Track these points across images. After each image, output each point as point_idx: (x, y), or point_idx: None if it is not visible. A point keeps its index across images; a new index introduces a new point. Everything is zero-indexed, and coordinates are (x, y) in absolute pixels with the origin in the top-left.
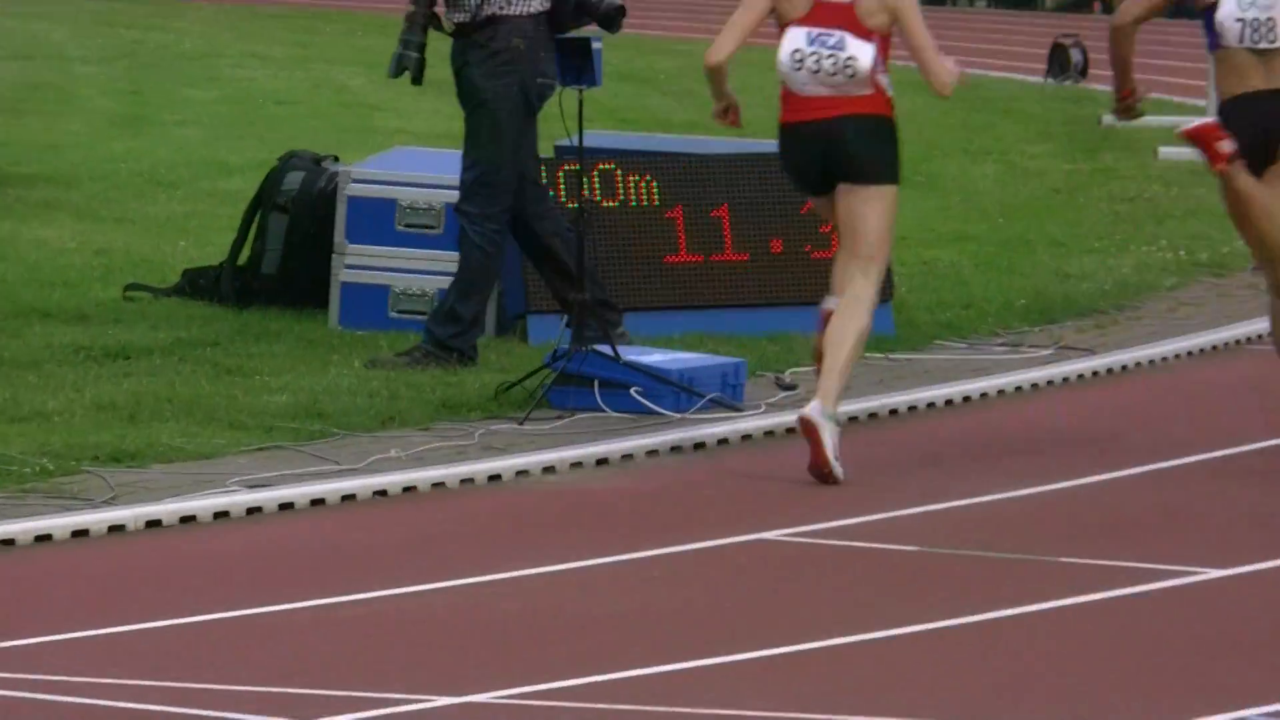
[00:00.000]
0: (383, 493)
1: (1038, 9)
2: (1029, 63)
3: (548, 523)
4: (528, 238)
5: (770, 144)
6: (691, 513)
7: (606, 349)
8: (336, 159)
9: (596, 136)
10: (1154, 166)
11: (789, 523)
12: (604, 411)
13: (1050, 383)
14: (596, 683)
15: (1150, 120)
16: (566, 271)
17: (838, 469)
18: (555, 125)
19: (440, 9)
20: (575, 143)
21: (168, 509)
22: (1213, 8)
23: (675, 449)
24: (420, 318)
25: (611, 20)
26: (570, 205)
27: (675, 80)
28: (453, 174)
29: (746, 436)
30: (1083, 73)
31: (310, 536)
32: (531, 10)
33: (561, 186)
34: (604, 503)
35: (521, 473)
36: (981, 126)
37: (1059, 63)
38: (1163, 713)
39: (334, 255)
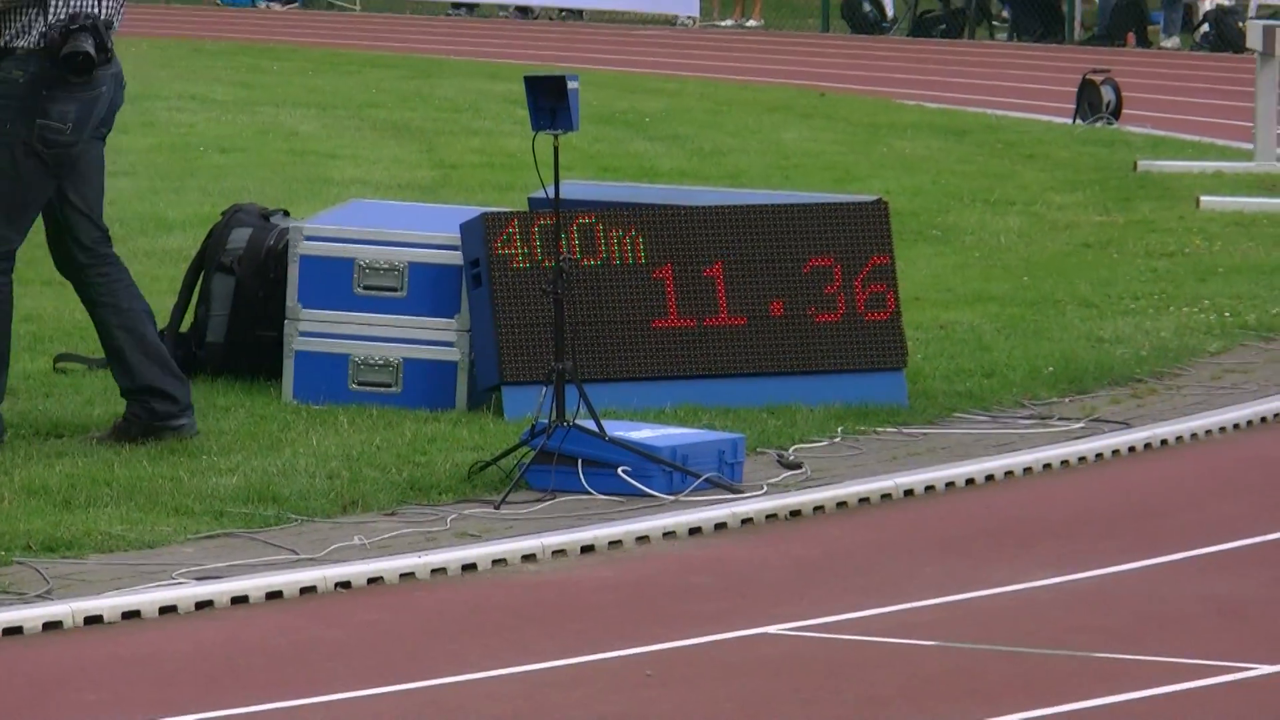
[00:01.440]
0: (346, 585)
1: (1065, 42)
2: (1056, 101)
3: (528, 617)
4: (94, 321)
5: (768, 194)
6: (687, 605)
7: (590, 424)
8: (286, 213)
9: (575, 186)
10: (1195, 218)
11: (794, 616)
12: (589, 493)
13: (1082, 459)
14: None
15: (1191, 165)
16: (125, 364)
17: None
18: (528, 175)
19: None
20: (551, 194)
21: (109, 603)
22: None
23: (668, 534)
24: (384, 390)
25: (70, 65)
26: (547, 264)
27: (663, 123)
28: (418, 229)
29: (746, 520)
30: (1115, 113)
31: (267, 633)
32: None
33: (536, 243)
34: (590, 594)
35: (499, 561)
36: (1003, 174)
37: (1089, 101)
38: None
39: (286, 321)
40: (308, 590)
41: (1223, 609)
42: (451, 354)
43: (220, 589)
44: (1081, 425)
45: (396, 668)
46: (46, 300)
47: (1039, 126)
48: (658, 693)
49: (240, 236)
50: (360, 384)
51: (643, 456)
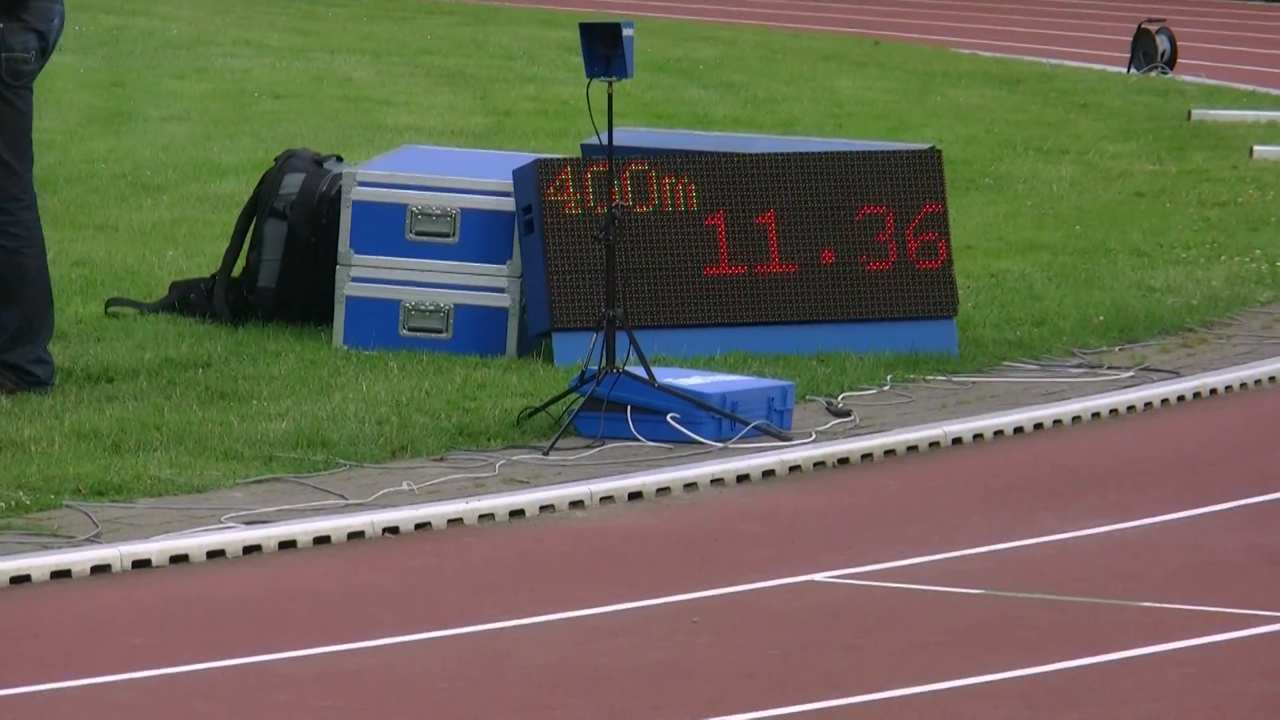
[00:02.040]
0: (394, 530)
1: None
2: (1110, 50)
3: (575, 563)
4: None
5: (821, 142)
6: (734, 552)
7: (640, 371)
8: (340, 159)
9: (628, 134)
10: (1248, 167)
11: (841, 563)
12: (637, 440)
13: (1131, 408)
14: None
15: (1245, 114)
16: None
17: None
18: (582, 122)
19: None
20: (604, 141)
21: (157, 547)
22: None
23: (716, 482)
24: (435, 336)
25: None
26: (600, 210)
27: (716, 71)
28: (469, 175)
29: (794, 468)
30: (1170, 62)
31: (314, 578)
32: None
33: (590, 190)
34: (637, 541)
35: (546, 508)
36: (1056, 123)
37: (1144, 51)
38: None
39: (338, 267)
40: (355, 535)
41: (1270, 559)
42: (502, 300)
43: (268, 534)
44: (1131, 374)
45: (444, 614)
46: (99, 245)
47: (1093, 75)
48: (705, 639)
49: (293, 182)
50: (411, 330)
51: (692, 404)
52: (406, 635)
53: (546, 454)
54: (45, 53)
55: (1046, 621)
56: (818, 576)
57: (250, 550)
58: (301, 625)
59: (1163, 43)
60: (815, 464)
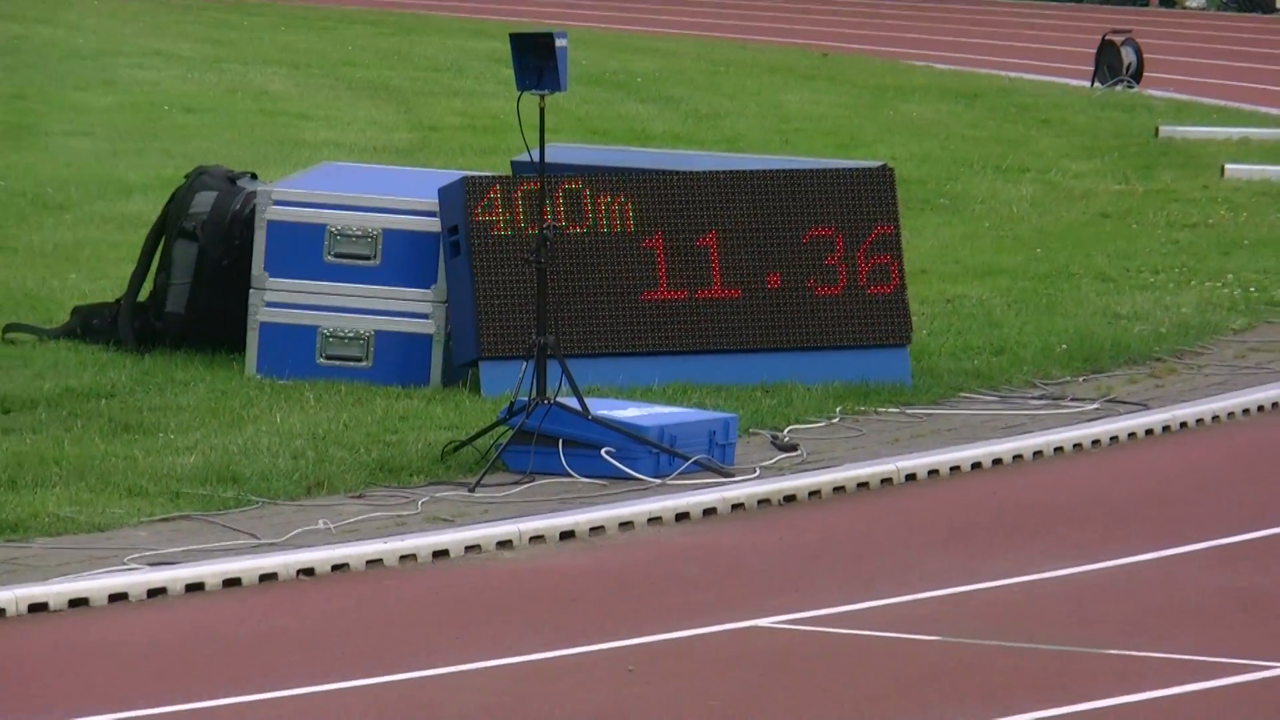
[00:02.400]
0: (309, 571)
1: (1084, 0)
2: (1073, 63)
3: (503, 607)
4: None
5: (767, 160)
6: (673, 596)
7: (573, 402)
8: (254, 176)
9: (561, 150)
10: (1220, 187)
11: (787, 608)
12: (570, 476)
13: (1096, 442)
14: None
15: (1216, 131)
16: None
17: None
18: (512, 138)
19: None
20: (536, 158)
21: (55, 590)
22: None
23: (653, 520)
24: (354, 364)
25: None
26: (530, 232)
27: (655, 84)
28: (392, 194)
29: (737, 506)
30: (1136, 76)
31: (224, 623)
32: None
33: (520, 210)
34: (570, 584)
35: (472, 548)
36: (1016, 139)
37: (1108, 64)
38: None
39: (251, 290)
40: (268, 577)
41: (1245, 602)
42: (426, 326)
43: (174, 575)
44: (1096, 406)
45: (362, 661)
46: None
47: (1055, 90)
48: (641, 689)
49: (204, 200)
50: (329, 358)
51: (628, 437)
52: (323, 684)
53: (472, 490)
54: None
55: (1007, 669)
56: (762, 621)
57: (155, 593)
58: (209, 673)
59: (1129, 55)
60: (759, 501)
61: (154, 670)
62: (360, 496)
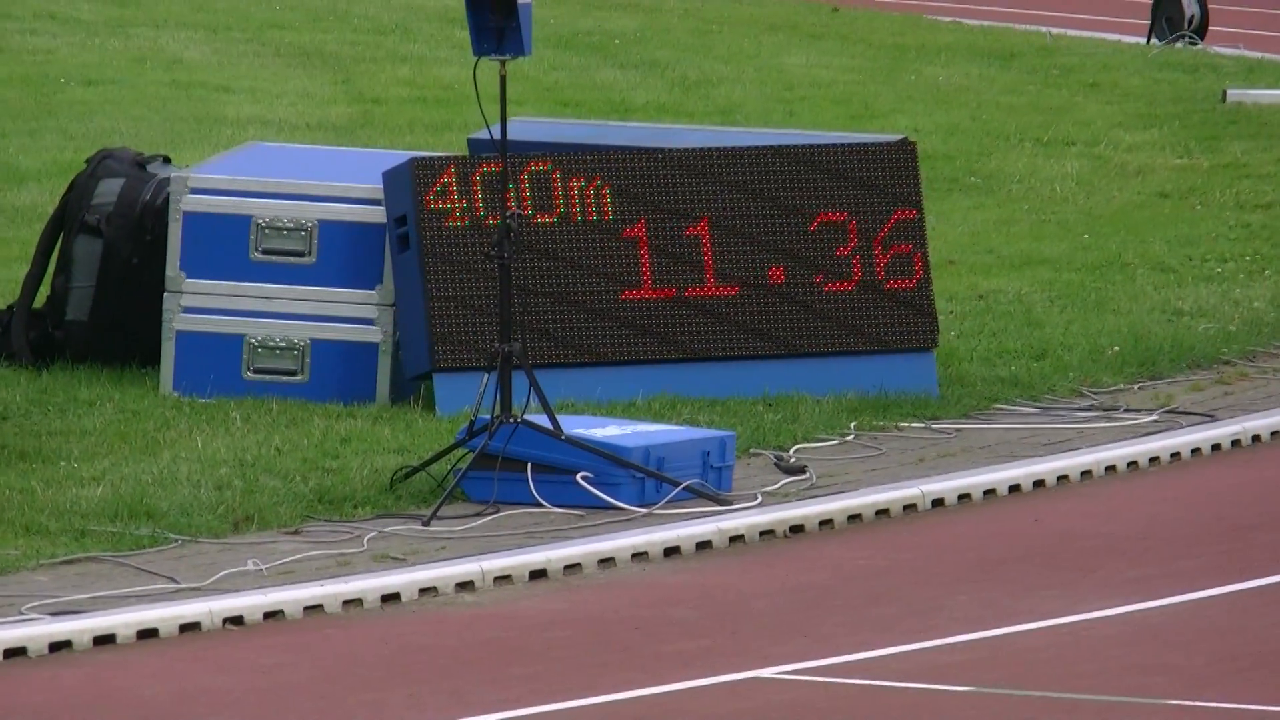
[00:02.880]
0: (237, 620)
1: None
2: (1125, 17)
3: (464, 660)
4: None
5: (767, 134)
6: (661, 644)
7: (543, 420)
8: (167, 160)
9: (527, 125)
10: None
11: (794, 656)
12: (540, 506)
13: (1155, 460)
14: None
15: None
16: None
17: None
18: (469, 111)
19: None
20: (496, 135)
21: None
22: None
23: (638, 556)
24: (287, 379)
25: None
26: (492, 222)
27: (636, 47)
28: (329, 179)
29: (736, 538)
30: (1200, 31)
31: (138, 680)
32: None
33: (479, 196)
34: (541, 631)
35: (427, 590)
36: (1060, 107)
37: (1167, 17)
38: None
39: (167, 294)
40: (190, 627)
41: None
42: (371, 334)
43: (80, 626)
44: (1154, 418)
45: None
46: None
47: (1105, 48)
48: None
49: (110, 189)
50: (257, 371)
51: (607, 460)
52: None
53: (427, 524)
54: None
55: None
56: (765, 672)
57: (58, 647)
58: None
59: (1190, 6)
60: (761, 533)
61: None
62: (296, 533)
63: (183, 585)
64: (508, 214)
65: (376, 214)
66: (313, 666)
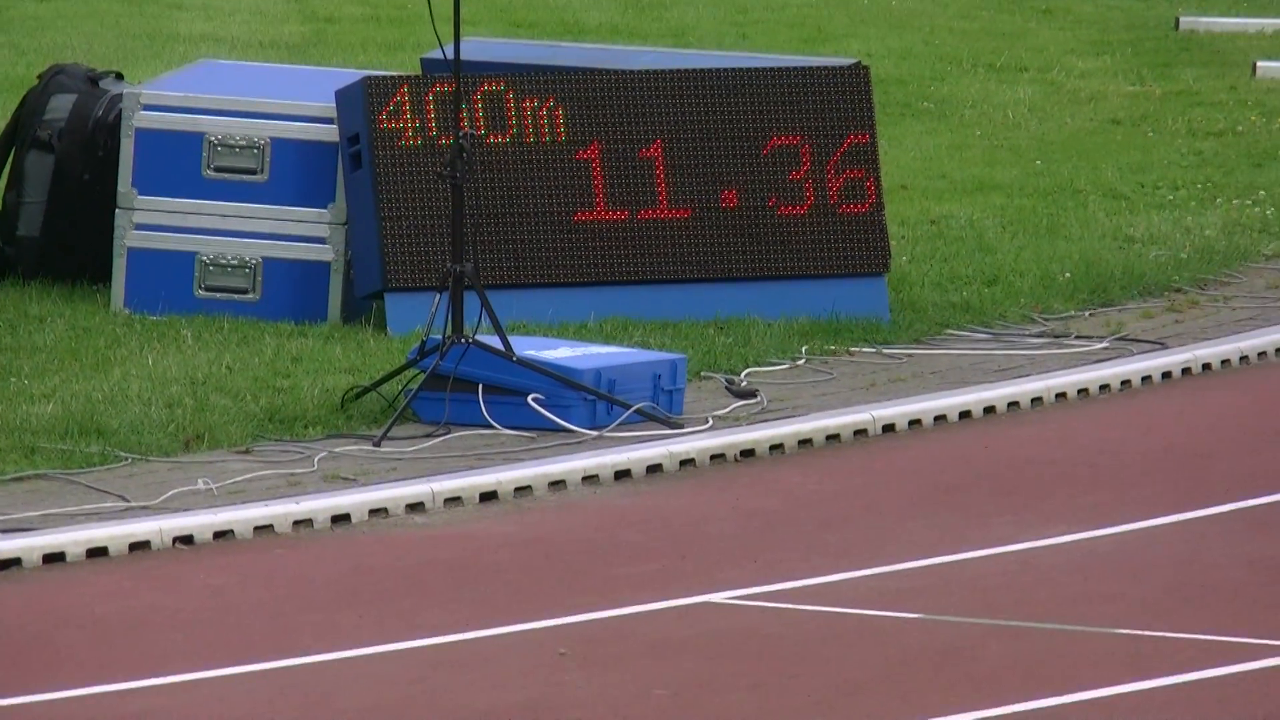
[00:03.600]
0: (187, 539)
1: None
2: None
3: (414, 581)
4: None
5: (720, 56)
6: (611, 567)
7: (495, 341)
8: (119, 76)
9: (480, 45)
10: (1250, 88)
11: (745, 581)
12: (491, 427)
13: (1105, 388)
14: None
15: (1246, 23)
16: None
17: None
18: (423, 31)
19: None
20: (449, 54)
21: None
22: None
23: (588, 479)
24: (239, 297)
25: None
26: (445, 142)
27: None
28: (282, 97)
29: (686, 462)
30: None
31: (88, 599)
32: None
33: (432, 115)
34: (491, 553)
35: (378, 511)
36: (1013, 33)
37: None
38: None
39: (118, 211)
40: (139, 546)
41: (1276, 574)
42: (323, 253)
43: (30, 544)
44: (1105, 345)
45: (249, 644)
46: None
47: None
48: (574, 675)
49: (61, 104)
50: (209, 289)
51: (559, 381)
52: (203, 670)
53: (378, 444)
54: None
55: (1001, 653)
56: (715, 597)
57: (8, 565)
58: (73, 659)
59: None
60: (712, 457)
61: (6, 656)
62: (247, 452)
63: (133, 504)
64: (460, 134)
65: (329, 132)
66: (263, 587)
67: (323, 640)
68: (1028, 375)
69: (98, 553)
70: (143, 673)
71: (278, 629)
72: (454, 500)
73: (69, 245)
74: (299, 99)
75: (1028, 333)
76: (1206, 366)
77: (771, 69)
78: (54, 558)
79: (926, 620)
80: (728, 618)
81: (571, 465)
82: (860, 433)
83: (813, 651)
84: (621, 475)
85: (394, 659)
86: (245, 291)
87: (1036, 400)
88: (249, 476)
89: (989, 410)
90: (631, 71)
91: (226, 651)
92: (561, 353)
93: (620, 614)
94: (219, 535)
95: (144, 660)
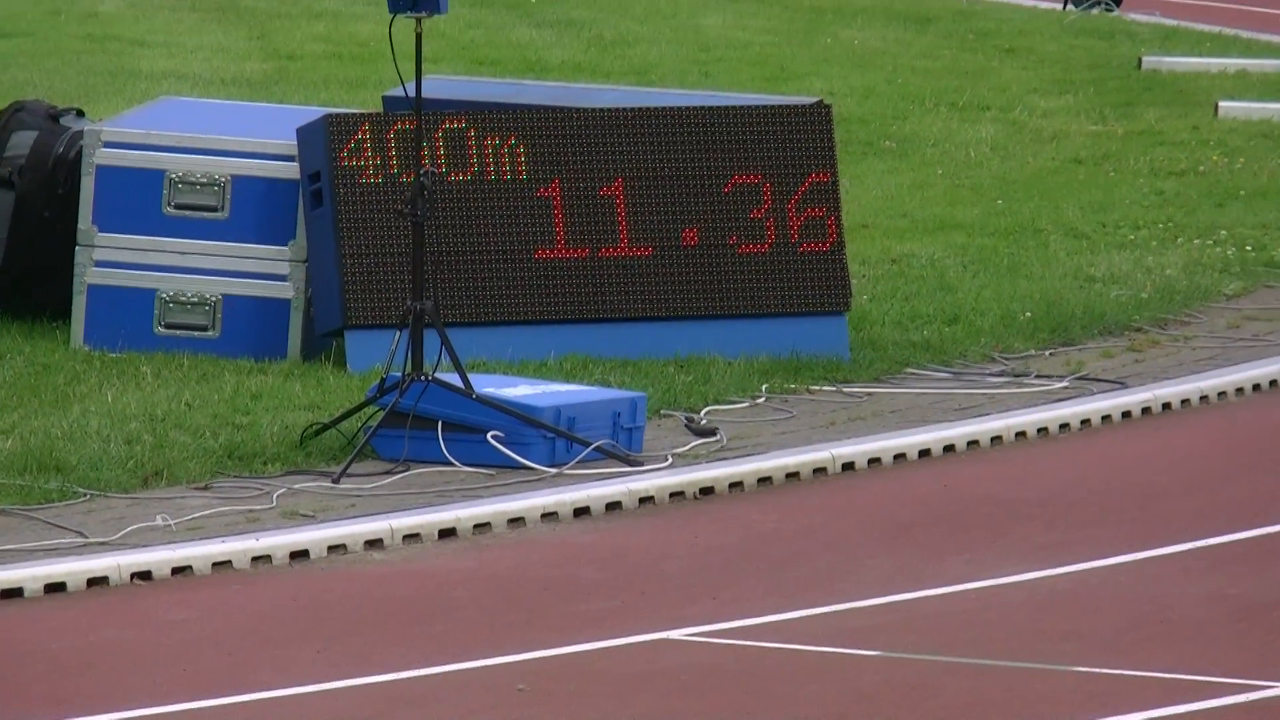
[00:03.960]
0: (145, 575)
1: None
2: None
3: (372, 617)
4: None
5: (683, 95)
6: (570, 604)
7: (454, 379)
8: (80, 114)
9: (442, 83)
10: (1213, 128)
11: (703, 618)
12: (450, 464)
13: (1065, 426)
14: None
15: (1209, 63)
16: None
17: None
18: (384, 68)
19: None
20: (410, 92)
21: None
22: None
23: (547, 516)
24: (199, 334)
25: None
26: (406, 179)
27: (552, 5)
28: (243, 134)
29: (646, 499)
30: None
31: (45, 634)
32: None
33: (394, 153)
34: (450, 589)
35: (336, 548)
36: (976, 71)
37: None
38: None
39: (78, 248)
40: (97, 581)
41: (1237, 613)
42: (283, 290)
43: None
44: (1065, 384)
45: (207, 679)
46: None
47: (1021, 14)
48: (532, 711)
49: (22, 141)
50: (168, 326)
51: (518, 419)
52: (161, 705)
53: (337, 481)
54: None
55: (960, 691)
56: (675, 634)
57: None
58: (29, 693)
59: None
60: (671, 494)
61: None
62: (205, 488)
63: (91, 540)
64: (422, 171)
65: (290, 170)
66: (221, 623)
67: (280, 676)
68: (987, 414)
69: (55, 588)
70: (100, 708)
71: (235, 665)
72: (412, 537)
73: (29, 281)
74: (260, 136)
75: (988, 372)
76: (1167, 406)
77: (733, 107)
78: (11, 593)
79: (884, 658)
80: (686, 655)
81: (530, 502)
82: (820, 471)
83: (772, 688)
84: (581, 512)
85: (351, 695)
86: (205, 328)
87: (996, 439)
88: (208, 513)
89: (949, 449)
90: (593, 109)
91: (184, 687)
92: (521, 390)
93: (579, 650)
94: (176, 571)
95: (102, 696)
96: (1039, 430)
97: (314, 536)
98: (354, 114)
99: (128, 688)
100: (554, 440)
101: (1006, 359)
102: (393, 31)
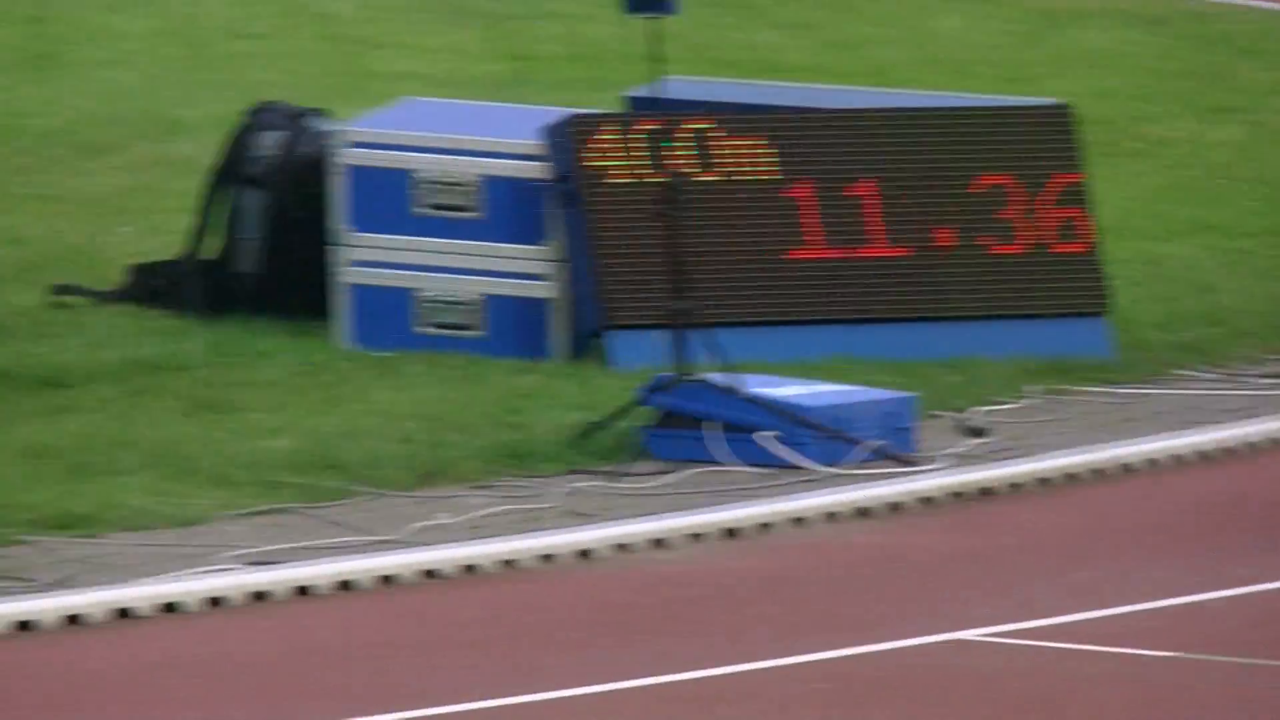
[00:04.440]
0: (432, 573)
1: None
2: None
3: (661, 615)
4: None
5: (930, 96)
6: (861, 602)
7: (722, 378)
8: (323, 113)
9: (685, 86)
10: None
11: (994, 618)
12: (721, 465)
13: None
14: None
15: None
16: None
17: None
18: (621, 68)
19: None
20: (653, 93)
21: (142, 593)
22: None
23: (830, 516)
24: (464, 333)
25: None
26: (650, 179)
27: (786, 7)
28: (485, 133)
29: (926, 500)
30: None
31: (336, 631)
32: None
33: (638, 152)
34: (740, 588)
35: (622, 547)
36: (1215, 73)
37: None
38: None
39: (335, 248)
40: (387, 580)
41: None
42: (543, 290)
43: (280, 577)
44: None
45: (499, 677)
46: (34, 218)
47: (1255, 14)
48: (831, 709)
49: (270, 142)
50: (433, 325)
51: (789, 419)
52: (449, 705)
53: (619, 480)
54: None
55: (1259, 691)
56: (966, 634)
57: (258, 597)
58: (321, 690)
59: None
60: (952, 495)
61: (256, 686)
62: (485, 488)
63: (377, 538)
64: (671, 172)
65: (537, 170)
66: (511, 622)
67: (574, 675)
68: (1260, 415)
69: (346, 585)
70: (386, 708)
71: (527, 663)
72: (696, 536)
73: (289, 281)
74: (504, 136)
75: (1257, 374)
76: None
77: (977, 108)
78: (303, 591)
79: (1178, 659)
80: (979, 654)
81: (813, 502)
82: (1098, 472)
83: (1060, 688)
84: (862, 512)
85: (645, 695)
86: (469, 328)
87: (1275, 441)
88: (488, 511)
89: (1227, 451)
90: (841, 111)
91: (476, 685)
92: (792, 390)
93: (871, 650)
94: (466, 570)
95: (389, 694)
96: None
97: (599, 535)
98: (598, 114)
99: (418, 685)
100: (828, 441)
101: (1275, 361)
102: (632, 33)
